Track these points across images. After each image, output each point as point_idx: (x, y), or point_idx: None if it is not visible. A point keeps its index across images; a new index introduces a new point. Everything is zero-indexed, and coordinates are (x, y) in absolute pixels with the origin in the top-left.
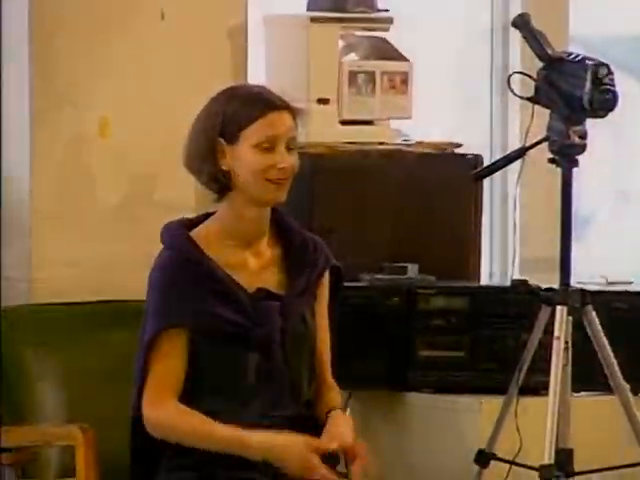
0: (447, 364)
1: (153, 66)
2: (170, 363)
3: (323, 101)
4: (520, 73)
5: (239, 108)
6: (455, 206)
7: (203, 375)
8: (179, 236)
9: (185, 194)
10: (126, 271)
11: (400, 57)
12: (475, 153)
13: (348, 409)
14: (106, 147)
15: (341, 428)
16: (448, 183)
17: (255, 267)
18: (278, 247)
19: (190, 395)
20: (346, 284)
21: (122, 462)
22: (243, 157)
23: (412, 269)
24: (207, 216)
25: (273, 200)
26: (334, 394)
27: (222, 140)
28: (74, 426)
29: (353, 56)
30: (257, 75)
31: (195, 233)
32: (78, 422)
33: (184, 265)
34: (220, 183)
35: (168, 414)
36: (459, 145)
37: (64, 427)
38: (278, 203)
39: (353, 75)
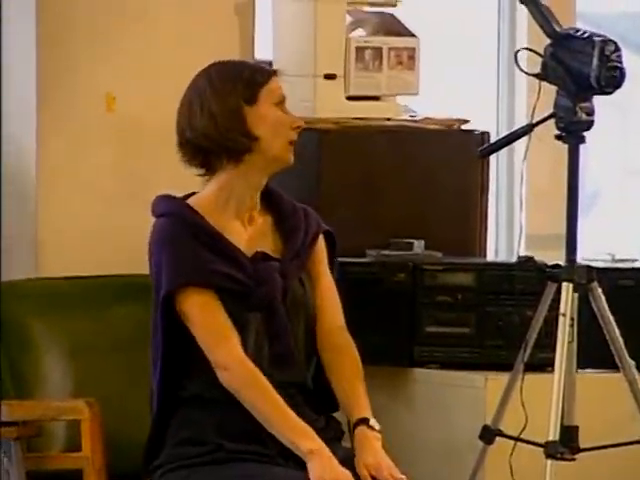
0: (453, 340)
1: (160, 42)
2: (214, 312)
3: (330, 77)
4: (527, 49)
5: (251, 71)
6: (461, 182)
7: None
8: (174, 202)
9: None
10: (132, 245)
11: (407, 33)
12: (482, 130)
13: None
14: (112, 122)
15: (384, 461)
16: (455, 159)
17: (250, 233)
18: (269, 215)
19: (195, 359)
20: (352, 260)
21: (128, 436)
22: (265, 115)
23: (418, 245)
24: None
25: (289, 160)
26: (358, 386)
27: (243, 102)
28: (80, 400)
29: (360, 32)
30: (264, 50)
31: (191, 201)
32: (84, 396)
33: (183, 227)
34: (241, 148)
35: (238, 365)
36: (466, 121)
37: (70, 401)
38: (290, 165)
39: (360, 51)
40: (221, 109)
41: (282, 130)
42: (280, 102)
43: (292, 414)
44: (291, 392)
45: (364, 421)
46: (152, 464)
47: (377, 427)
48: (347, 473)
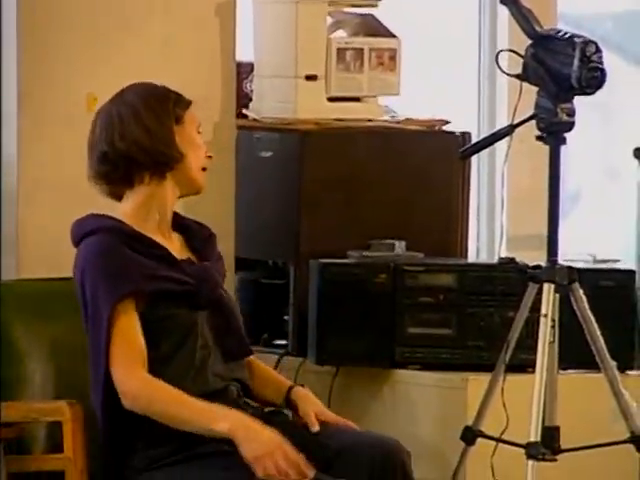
0: (434, 341)
1: (142, 43)
2: (131, 334)
3: (311, 77)
4: (508, 50)
5: (175, 94)
6: (443, 183)
7: (160, 345)
8: (95, 218)
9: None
10: None
11: (388, 34)
12: (463, 130)
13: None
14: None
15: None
16: (436, 160)
17: (171, 247)
18: (177, 233)
19: (149, 366)
20: (334, 261)
21: None
22: (190, 136)
23: (400, 246)
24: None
25: (202, 186)
26: (275, 374)
27: (173, 121)
28: (62, 402)
29: (341, 33)
30: (246, 52)
31: (114, 216)
32: (65, 398)
33: (117, 238)
34: (169, 162)
35: (144, 386)
36: (447, 122)
37: (51, 403)
38: (200, 191)
39: (341, 52)
40: (155, 123)
41: (200, 154)
42: (198, 128)
43: (200, 404)
44: (237, 387)
45: (295, 385)
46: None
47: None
48: (270, 435)
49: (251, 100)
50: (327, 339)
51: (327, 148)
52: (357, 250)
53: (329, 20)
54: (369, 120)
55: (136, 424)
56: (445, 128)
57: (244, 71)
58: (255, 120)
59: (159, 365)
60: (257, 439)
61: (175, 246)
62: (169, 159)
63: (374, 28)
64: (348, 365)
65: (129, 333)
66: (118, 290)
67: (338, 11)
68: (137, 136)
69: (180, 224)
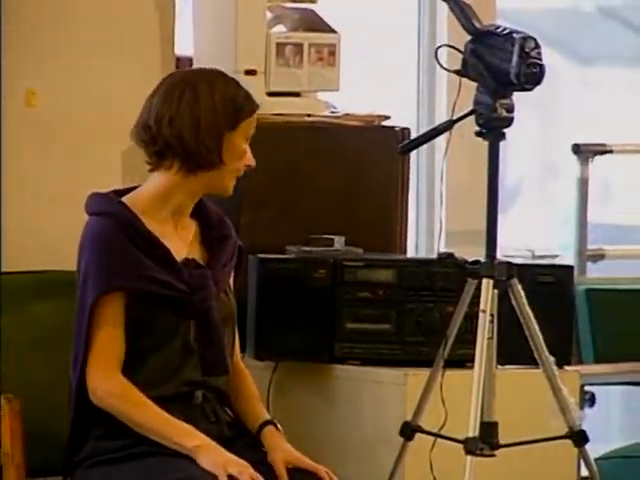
0: (373, 337)
1: (81, 38)
2: (113, 331)
3: (250, 72)
4: (447, 46)
5: (244, 99)
6: (382, 179)
7: (138, 343)
8: (110, 201)
9: (111, 167)
10: (52, 241)
11: (328, 29)
12: (402, 126)
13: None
14: (31, 118)
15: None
16: (375, 155)
17: (181, 239)
18: (195, 222)
19: (125, 363)
20: (273, 256)
21: (49, 432)
22: (237, 146)
23: (339, 241)
24: (136, 187)
25: (230, 192)
26: (257, 401)
27: (227, 127)
28: None
29: (281, 27)
30: (185, 46)
31: (126, 199)
32: (4, 392)
33: (120, 229)
34: (204, 164)
35: (116, 388)
36: (386, 117)
37: None
38: (226, 196)
39: (281, 47)
40: (208, 124)
41: (240, 164)
42: (248, 137)
43: (171, 418)
44: (205, 394)
45: (271, 422)
46: (74, 458)
47: (281, 429)
48: (235, 458)
49: None
50: (266, 334)
51: (266, 143)
52: (296, 245)
53: (269, 15)
54: (309, 115)
55: (98, 413)
56: (385, 123)
57: (183, 65)
58: None
59: (133, 360)
60: (222, 454)
61: (184, 239)
62: (205, 162)
63: (314, 23)
64: (287, 360)
65: (109, 328)
66: (107, 282)
67: (278, 6)
68: (185, 129)
69: (201, 210)
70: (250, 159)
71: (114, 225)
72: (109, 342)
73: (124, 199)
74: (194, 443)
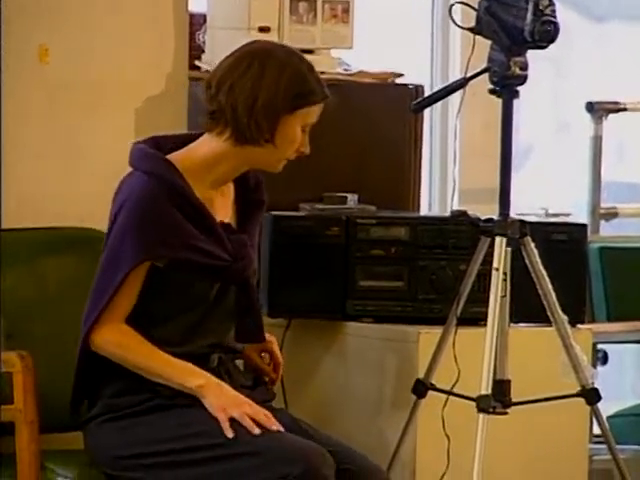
0: (386, 294)
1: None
2: (133, 292)
3: (264, 29)
4: (461, 3)
5: (312, 86)
6: (395, 136)
7: (168, 303)
8: (159, 161)
9: (123, 125)
10: (62, 198)
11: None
12: (416, 83)
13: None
14: (46, 75)
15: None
16: (389, 113)
17: (219, 204)
18: (232, 183)
19: (148, 320)
20: (286, 214)
21: (60, 389)
22: (291, 131)
23: (352, 199)
24: (181, 137)
25: (276, 171)
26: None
27: (287, 109)
28: (12, 353)
29: None
30: (199, 3)
31: (176, 161)
32: (16, 349)
33: (169, 195)
34: (253, 140)
35: (115, 334)
36: (400, 75)
37: (2, 354)
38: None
39: (294, 3)
40: (265, 102)
41: (291, 149)
42: (306, 126)
43: (172, 358)
44: (225, 358)
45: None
46: (86, 415)
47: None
48: (239, 394)
49: (204, 52)
50: (279, 292)
51: None
52: (309, 203)
53: None
54: (322, 72)
55: (109, 370)
56: (398, 81)
57: (197, 22)
58: (207, 72)
59: (158, 319)
60: (225, 394)
61: (223, 201)
62: (254, 139)
63: None
64: (300, 318)
65: (132, 290)
66: (149, 250)
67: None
68: (241, 101)
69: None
70: (304, 146)
71: (164, 191)
72: (126, 302)
73: (173, 159)
74: (197, 382)
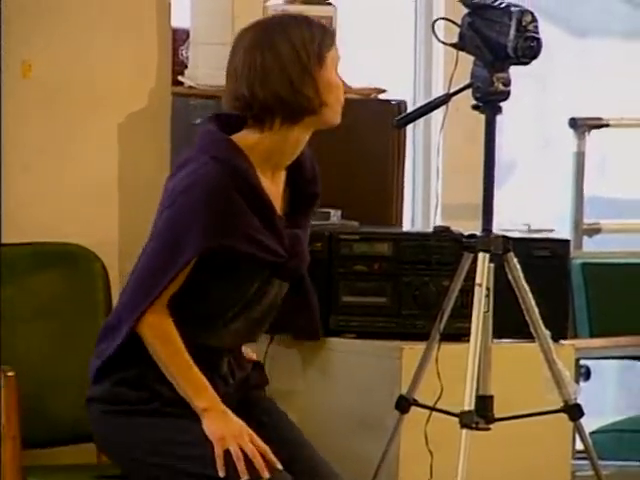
0: (369, 310)
1: (76, 10)
2: (183, 278)
3: None
4: (444, 19)
5: (321, 33)
6: (378, 152)
7: (215, 288)
8: (228, 146)
9: (107, 139)
10: (52, 213)
11: (324, 1)
12: (399, 99)
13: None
14: (29, 91)
15: None
16: (372, 129)
17: (273, 194)
18: (285, 172)
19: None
20: None
21: (46, 403)
22: (331, 81)
23: (335, 215)
24: (240, 118)
25: (338, 122)
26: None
27: (316, 65)
28: None
29: (277, 0)
30: (182, 18)
31: (239, 141)
32: (3, 364)
33: (236, 181)
34: (310, 109)
35: (161, 320)
36: (383, 91)
37: None
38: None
39: None
40: (300, 75)
41: (340, 95)
42: (337, 66)
43: (194, 369)
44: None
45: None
46: (91, 389)
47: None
48: (241, 424)
49: (187, 67)
50: None
51: None
52: None
53: None
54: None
55: (129, 358)
56: (381, 96)
57: (180, 38)
58: (190, 87)
59: (198, 298)
60: (226, 422)
61: (276, 190)
62: (308, 110)
63: None
64: (283, 333)
65: (182, 279)
66: (214, 238)
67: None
68: (279, 87)
69: (296, 160)
70: (344, 83)
71: (233, 178)
72: (176, 286)
73: (236, 141)
74: (203, 405)
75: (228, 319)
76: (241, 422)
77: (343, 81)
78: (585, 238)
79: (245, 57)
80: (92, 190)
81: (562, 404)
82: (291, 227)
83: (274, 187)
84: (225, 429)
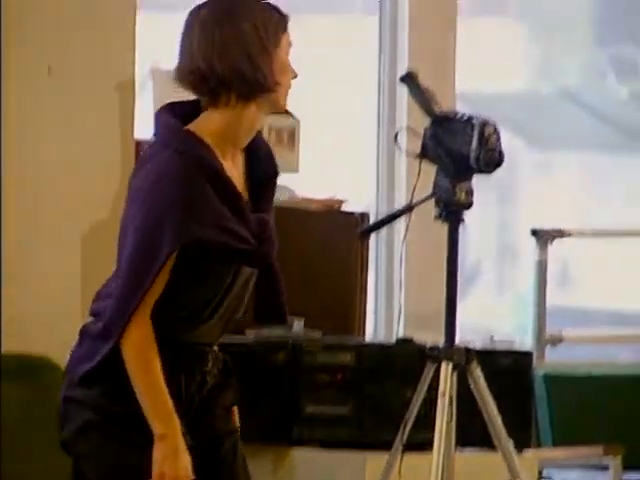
0: (332, 420)
1: (41, 120)
2: (164, 279)
3: None
4: (407, 130)
5: (279, 14)
6: (341, 262)
7: (190, 286)
8: (189, 137)
9: (70, 249)
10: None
11: (287, 113)
12: (361, 211)
13: None
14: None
15: None
16: (334, 239)
17: (235, 178)
18: (243, 154)
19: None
20: (232, 337)
21: None
22: (285, 62)
23: (298, 324)
24: (190, 104)
25: (285, 108)
26: None
27: (274, 45)
28: None
29: None
30: (146, 129)
31: (196, 130)
32: None
33: (202, 173)
34: (265, 87)
35: (142, 332)
36: (344, 202)
37: None
38: (282, 112)
39: None
40: (259, 51)
41: (289, 77)
42: (289, 49)
43: (164, 392)
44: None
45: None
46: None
47: None
48: (187, 467)
49: None
50: None
51: None
52: (255, 328)
53: None
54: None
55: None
56: (344, 207)
57: (143, 150)
58: None
59: (177, 299)
60: (174, 459)
61: (238, 174)
62: (264, 87)
63: None
64: (247, 442)
65: (163, 280)
66: (189, 234)
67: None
68: (238, 61)
69: (251, 142)
70: (294, 69)
71: (198, 169)
72: (158, 289)
73: (193, 129)
74: (162, 431)
75: (207, 314)
76: (188, 464)
77: (295, 73)
78: (548, 347)
79: (202, 31)
80: (54, 298)
81: None
82: (256, 211)
83: (235, 171)
84: (169, 466)
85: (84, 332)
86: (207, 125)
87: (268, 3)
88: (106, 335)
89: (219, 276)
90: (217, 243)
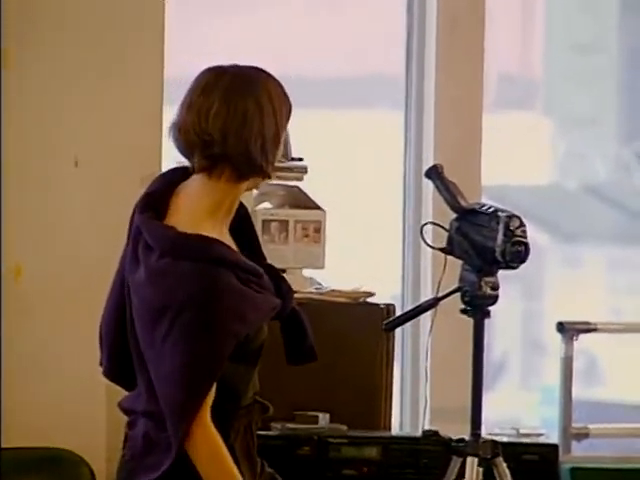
0: None
1: (68, 213)
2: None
3: None
4: (433, 223)
5: (289, 101)
6: (367, 355)
7: (236, 369)
8: (204, 242)
9: (89, 323)
10: (31, 416)
11: (314, 206)
12: (387, 302)
13: None
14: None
15: None
16: (360, 332)
17: (228, 240)
18: None
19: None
20: (258, 433)
21: None
22: (281, 142)
23: (323, 418)
24: (167, 179)
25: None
26: None
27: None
28: None
29: (267, 204)
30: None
31: (205, 231)
32: None
33: (229, 273)
34: (267, 171)
35: (207, 438)
36: (371, 294)
37: None
38: None
39: (267, 223)
40: (273, 136)
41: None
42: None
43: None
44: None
45: None
46: None
47: None
48: None
49: None
50: None
51: None
52: (281, 422)
53: (255, 192)
54: (294, 292)
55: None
56: (369, 300)
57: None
58: None
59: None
60: None
61: (228, 241)
62: (263, 170)
63: (299, 200)
64: None
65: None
66: (236, 336)
67: (264, 183)
68: (252, 143)
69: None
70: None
71: (222, 268)
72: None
73: (203, 232)
74: None
75: (248, 379)
76: None
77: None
78: (574, 442)
79: (225, 97)
80: (73, 390)
81: None
82: (255, 260)
83: (233, 244)
84: None
85: (148, 438)
86: (199, 215)
87: (281, 85)
88: (160, 446)
89: (257, 347)
90: (259, 328)
